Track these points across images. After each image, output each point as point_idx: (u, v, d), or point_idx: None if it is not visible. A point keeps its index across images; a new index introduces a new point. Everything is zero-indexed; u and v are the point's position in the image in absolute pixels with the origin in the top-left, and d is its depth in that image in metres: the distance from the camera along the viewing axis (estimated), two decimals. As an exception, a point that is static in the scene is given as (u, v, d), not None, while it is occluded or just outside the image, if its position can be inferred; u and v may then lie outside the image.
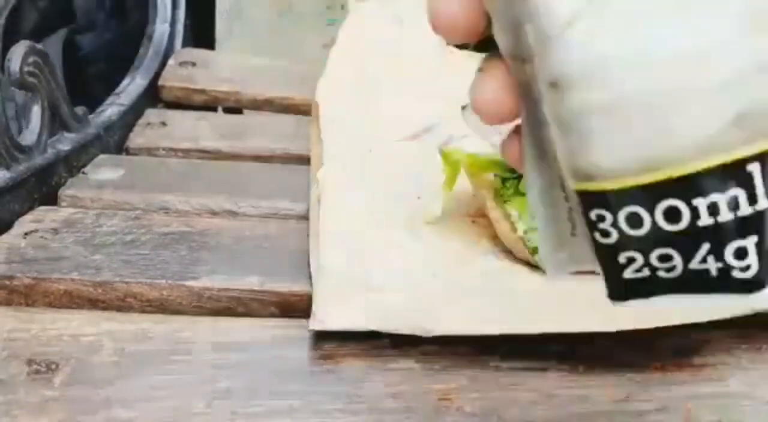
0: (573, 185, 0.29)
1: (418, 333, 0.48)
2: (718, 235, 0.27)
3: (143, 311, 0.52)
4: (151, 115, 0.80)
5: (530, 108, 0.29)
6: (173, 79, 0.86)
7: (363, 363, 0.47)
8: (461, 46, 0.30)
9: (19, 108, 0.70)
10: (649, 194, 0.27)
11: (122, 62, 0.85)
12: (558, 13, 0.26)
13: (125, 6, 0.98)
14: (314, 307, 0.49)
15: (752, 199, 0.26)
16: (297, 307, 0.52)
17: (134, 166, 0.68)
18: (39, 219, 0.58)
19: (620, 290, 0.30)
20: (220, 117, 0.87)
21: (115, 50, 0.94)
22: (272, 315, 0.53)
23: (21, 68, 0.60)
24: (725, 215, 0.27)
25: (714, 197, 0.26)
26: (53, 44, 0.90)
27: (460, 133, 0.62)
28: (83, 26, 0.94)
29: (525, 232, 0.56)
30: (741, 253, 0.27)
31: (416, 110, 0.76)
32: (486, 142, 0.58)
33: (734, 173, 0.26)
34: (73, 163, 0.67)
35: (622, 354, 0.49)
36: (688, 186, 0.26)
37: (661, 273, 0.29)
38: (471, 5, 0.29)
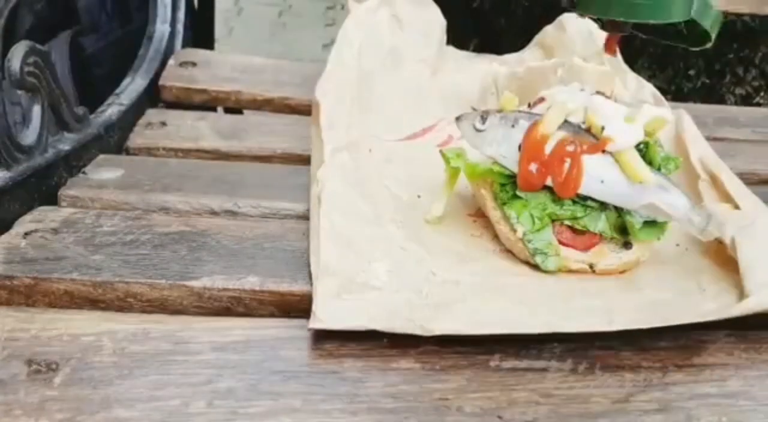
0: None
1: (418, 333, 0.48)
2: None
3: (143, 311, 0.52)
4: (151, 115, 0.80)
5: None
6: (173, 79, 0.86)
7: (363, 363, 0.47)
8: None
9: (19, 108, 0.70)
10: None
11: (126, 63, 0.85)
12: None
13: (128, 7, 0.98)
14: (314, 306, 0.49)
15: None
16: (297, 307, 0.52)
17: (134, 166, 0.68)
18: (39, 219, 0.58)
19: None
20: (220, 117, 0.87)
21: (120, 51, 0.94)
22: (272, 315, 0.53)
23: (21, 68, 0.60)
24: None
25: None
26: (60, 45, 0.90)
27: (459, 134, 0.62)
28: (87, 27, 0.94)
29: (524, 234, 0.56)
30: None
31: (416, 110, 0.76)
32: (480, 152, 0.58)
33: None
34: (73, 163, 0.67)
35: (622, 354, 0.49)
36: None
37: None
38: None
